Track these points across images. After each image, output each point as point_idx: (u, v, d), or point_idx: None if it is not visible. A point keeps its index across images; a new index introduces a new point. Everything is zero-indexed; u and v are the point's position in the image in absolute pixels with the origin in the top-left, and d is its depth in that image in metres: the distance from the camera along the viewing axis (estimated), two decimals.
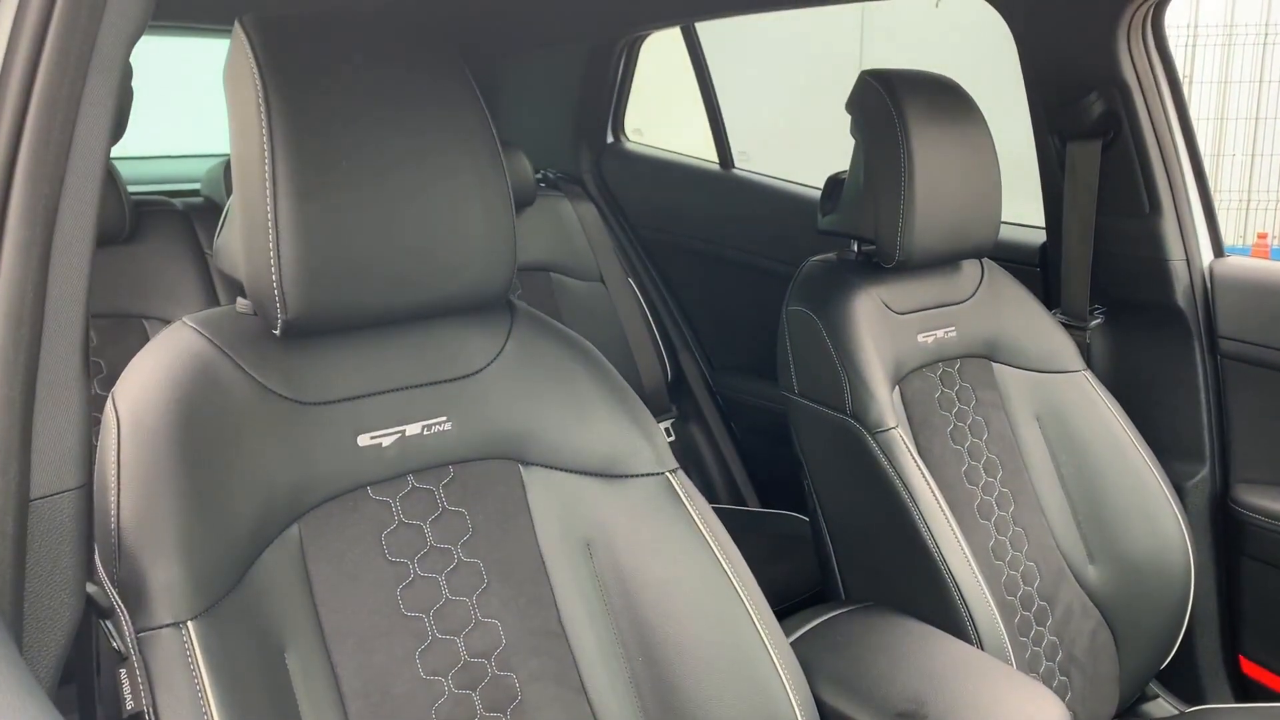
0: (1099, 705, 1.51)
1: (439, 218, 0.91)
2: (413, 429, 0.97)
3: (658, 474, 1.08)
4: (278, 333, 0.88)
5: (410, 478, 0.97)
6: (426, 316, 0.98)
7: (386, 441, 0.95)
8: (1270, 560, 1.71)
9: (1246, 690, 1.75)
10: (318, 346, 0.94)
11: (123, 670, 0.75)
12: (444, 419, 0.99)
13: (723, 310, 2.53)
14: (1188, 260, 1.71)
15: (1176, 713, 1.61)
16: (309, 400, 0.92)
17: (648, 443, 1.09)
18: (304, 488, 0.91)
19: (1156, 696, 1.66)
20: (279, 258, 0.84)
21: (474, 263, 0.95)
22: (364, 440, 0.94)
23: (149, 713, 0.74)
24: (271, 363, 0.91)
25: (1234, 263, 1.75)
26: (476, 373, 1.02)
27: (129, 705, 0.75)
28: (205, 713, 0.74)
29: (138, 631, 0.76)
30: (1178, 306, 1.70)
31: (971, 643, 1.24)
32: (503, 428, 1.02)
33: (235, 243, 0.90)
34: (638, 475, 1.07)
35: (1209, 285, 1.71)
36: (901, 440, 1.30)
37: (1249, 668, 1.76)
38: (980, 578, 1.28)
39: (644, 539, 1.05)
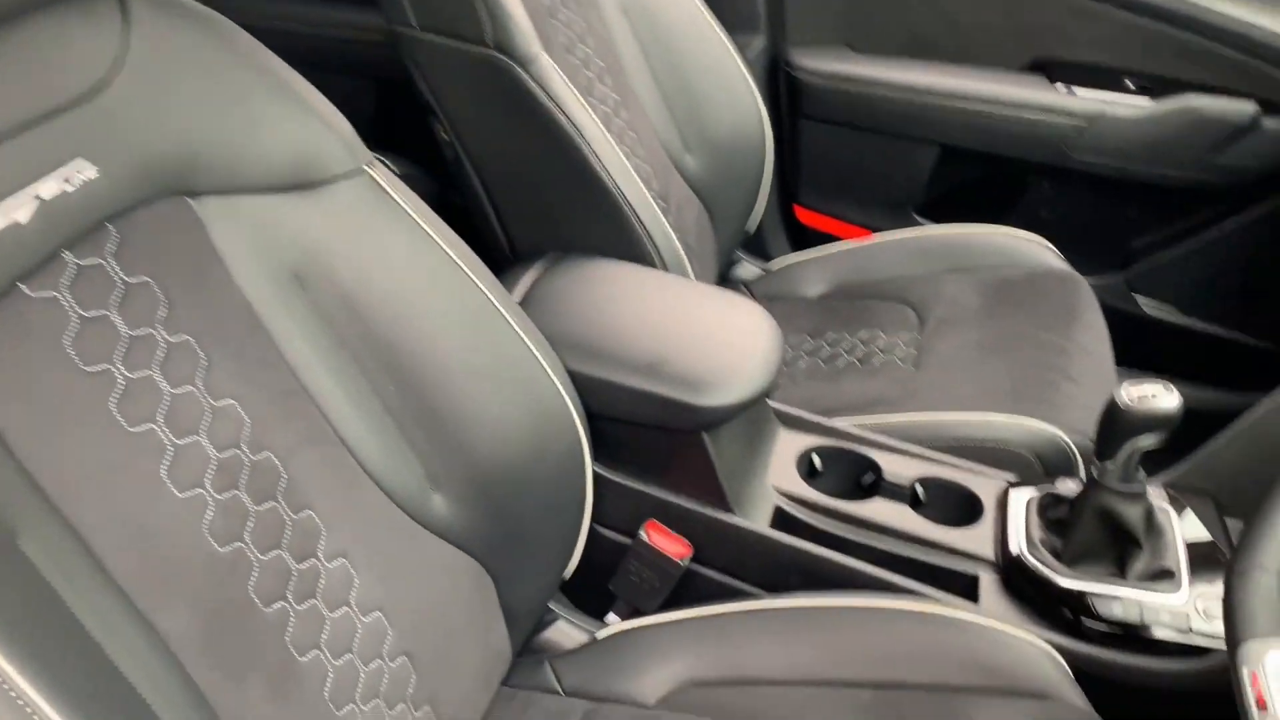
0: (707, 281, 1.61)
1: None
2: (48, 187, 0.68)
3: (356, 171, 0.88)
4: None
5: (67, 255, 0.70)
6: None
7: (21, 214, 0.67)
8: (822, 117, 1.88)
9: (802, 236, 1.98)
10: None
11: None
12: (84, 164, 0.71)
13: None
14: None
15: (761, 272, 1.79)
16: None
17: (334, 134, 0.88)
18: None
19: (740, 260, 1.82)
20: None
21: None
22: None
23: None
24: None
25: None
26: (101, 90, 0.73)
27: None
28: None
29: None
30: None
31: (659, 267, 1.25)
32: (157, 156, 0.76)
33: None
34: (334, 179, 0.87)
35: None
36: (553, 68, 1.17)
37: (802, 215, 1.98)
38: (651, 198, 1.26)
39: (362, 253, 0.87)
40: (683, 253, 1.29)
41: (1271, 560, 0.74)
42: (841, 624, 1.04)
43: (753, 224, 1.72)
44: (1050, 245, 1.67)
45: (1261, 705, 0.65)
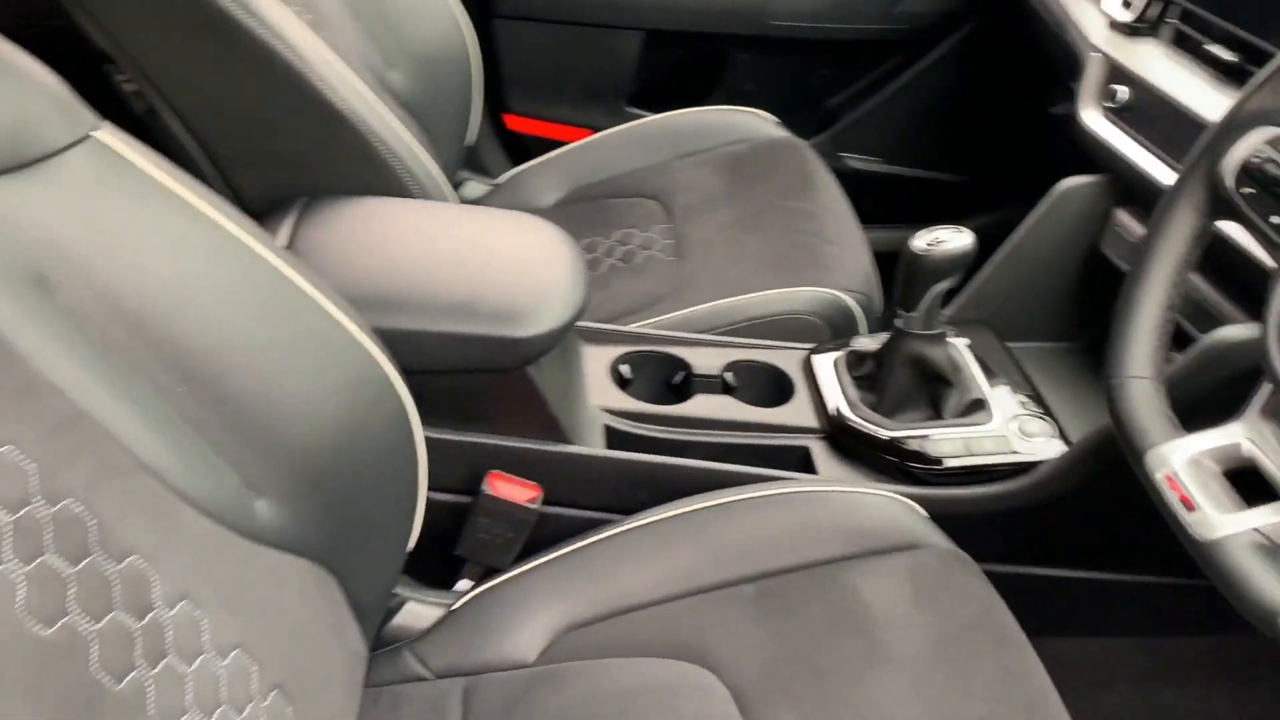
0: None
1: None
2: None
3: (83, 139, 0.71)
4: None
5: None
6: None
7: None
8: (518, 14, 1.78)
9: (520, 145, 1.89)
10: None
11: None
12: None
13: None
14: None
15: (489, 188, 1.70)
16: None
17: (47, 98, 0.70)
18: None
19: (465, 180, 1.71)
20: None
21: None
22: None
23: None
24: None
25: None
26: None
27: None
28: None
29: None
30: None
31: (418, 196, 1.12)
32: None
33: None
34: (57, 152, 0.69)
35: None
36: None
37: (515, 123, 1.89)
38: (392, 120, 1.13)
39: (112, 237, 0.71)
40: (439, 177, 1.18)
41: (1141, 368, 0.78)
42: (704, 527, 1.01)
43: (471, 137, 1.62)
44: (768, 115, 1.69)
45: (1189, 506, 0.68)
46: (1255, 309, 0.79)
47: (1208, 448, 0.71)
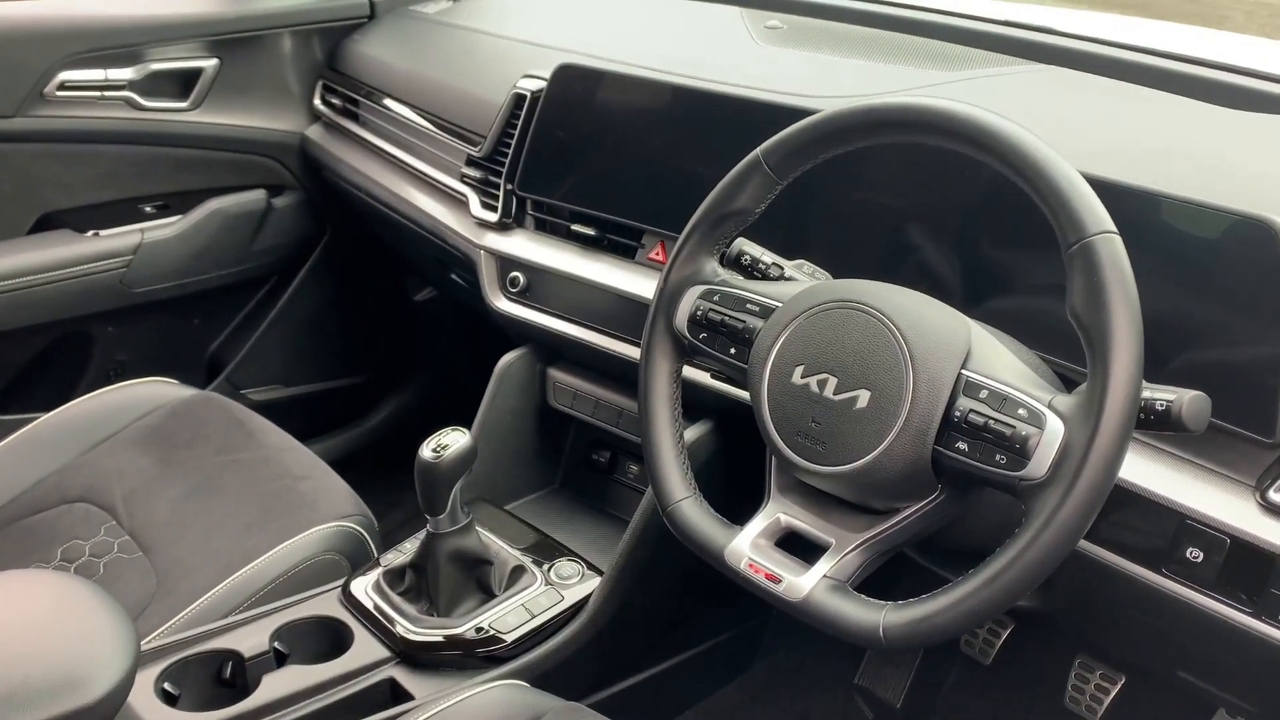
0: None
1: None
2: None
3: None
4: None
5: None
6: None
7: None
8: None
9: None
10: None
11: None
12: None
13: None
14: None
15: None
16: None
17: None
18: None
19: None
20: None
21: None
22: None
23: None
24: None
25: None
26: None
27: None
28: None
29: None
30: None
31: None
32: None
33: None
34: None
35: None
36: None
37: None
38: None
39: None
40: None
41: (680, 492, 0.95)
42: None
43: None
44: (165, 379, 1.64)
45: (774, 580, 0.86)
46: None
47: (759, 530, 0.90)
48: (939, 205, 1.07)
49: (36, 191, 1.66)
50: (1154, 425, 0.78)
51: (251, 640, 1.15)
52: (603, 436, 1.44)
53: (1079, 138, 1.09)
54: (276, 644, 1.16)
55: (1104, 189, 0.81)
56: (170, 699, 1.09)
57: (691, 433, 1.23)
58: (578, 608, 1.22)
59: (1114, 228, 0.76)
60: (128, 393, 1.59)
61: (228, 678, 1.14)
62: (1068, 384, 0.88)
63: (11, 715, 0.82)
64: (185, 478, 1.45)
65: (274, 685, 1.11)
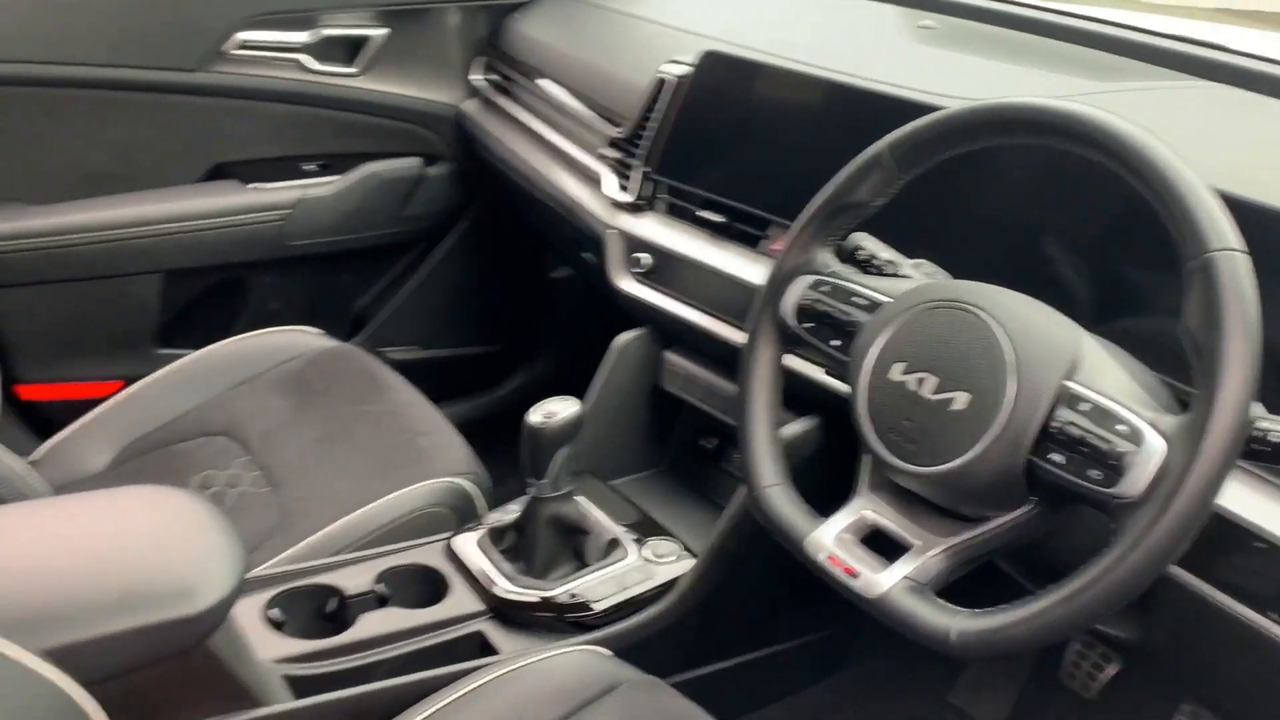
0: None
1: None
2: None
3: None
4: None
5: None
6: None
7: None
8: (12, 282, 1.65)
9: (42, 415, 1.73)
10: None
11: None
12: None
13: None
14: None
15: (26, 467, 1.55)
16: None
17: None
18: None
19: None
20: None
21: None
22: None
23: None
24: None
25: None
26: None
27: None
28: None
29: None
30: None
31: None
32: None
33: None
34: None
35: None
36: None
37: (30, 392, 1.73)
38: None
39: None
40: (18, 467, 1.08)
41: (771, 478, 0.95)
42: None
43: None
44: (311, 329, 1.73)
45: (852, 574, 0.85)
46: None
47: (843, 524, 0.90)
48: (1070, 215, 1.03)
49: (210, 143, 1.77)
50: (1266, 458, 0.74)
51: (356, 580, 1.21)
52: (712, 423, 1.44)
53: (1226, 155, 1.04)
54: (379, 586, 1.21)
55: (1242, 208, 0.77)
56: (275, 626, 1.16)
57: (796, 427, 1.22)
58: (668, 587, 1.23)
59: (1240, 245, 0.73)
60: (274, 338, 1.69)
61: (329, 612, 1.20)
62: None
63: (121, 616, 0.88)
64: (317, 423, 1.53)
65: (371, 623, 1.17)
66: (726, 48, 1.42)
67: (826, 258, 0.98)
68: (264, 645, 1.11)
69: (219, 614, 0.94)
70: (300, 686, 1.07)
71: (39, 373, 1.72)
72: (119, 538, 0.96)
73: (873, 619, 0.86)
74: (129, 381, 1.64)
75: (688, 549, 1.28)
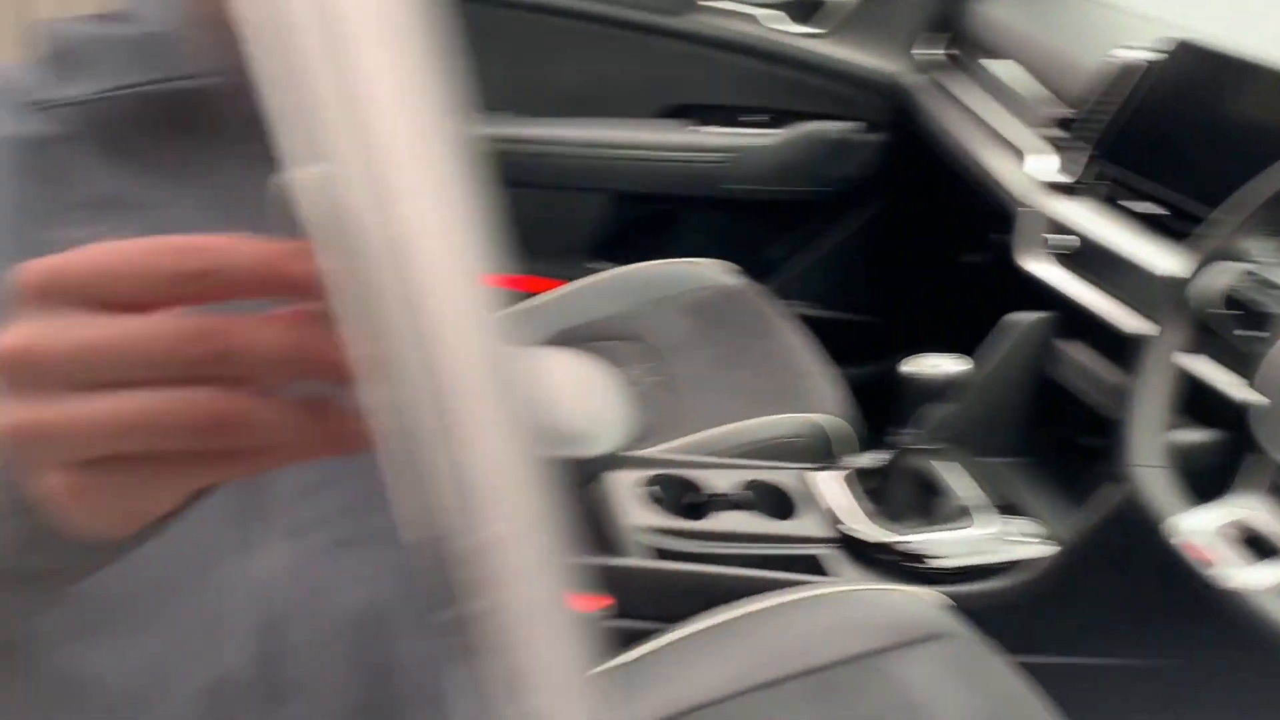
0: None
1: None
2: None
3: None
4: None
5: None
6: None
7: None
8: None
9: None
10: None
11: None
12: None
13: None
14: None
15: None
16: None
17: None
18: None
19: None
20: None
21: None
22: None
23: None
24: None
25: None
26: None
27: None
28: None
29: None
30: None
31: None
32: None
33: None
34: None
35: None
36: None
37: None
38: None
39: None
40: None
41: (1146, 458, 0.93)
42: (752, 630, 1.10)
43: None
44: (727, 264, 1.85)
45: (1207, 563, 0.83)
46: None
47: (1215, 517, 0.86)
48: None
49: (670, 84, 1.95)
50: None
51: (723, 482, 1.32)
52: (1095, 421, 1.40)
53: None
54: (741, 491, 1.31)
55: None
56: (651, 501, 1.29)
57: (1195, 435, 1.16)
58: (1018, 565, 1.22)
59: None
60: (694, 268, 1.84)
61: (690, 504, 1.31)
62: None
63: (545, 444, 1.04)
64: (715, 346, 1.66)
65: (727, 520, 1.27)
66: (1199, 38, 1.36)
67: (1263, 247, 0.94)
68: (635, 513, 1.24)
69: (604, 464, 1.08)
70: (656, 555, 1.20)
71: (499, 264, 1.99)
72: (549, 386, 1.13)
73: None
74: (563, 282, 1.86)
75: (1050, 536, 1.26)
